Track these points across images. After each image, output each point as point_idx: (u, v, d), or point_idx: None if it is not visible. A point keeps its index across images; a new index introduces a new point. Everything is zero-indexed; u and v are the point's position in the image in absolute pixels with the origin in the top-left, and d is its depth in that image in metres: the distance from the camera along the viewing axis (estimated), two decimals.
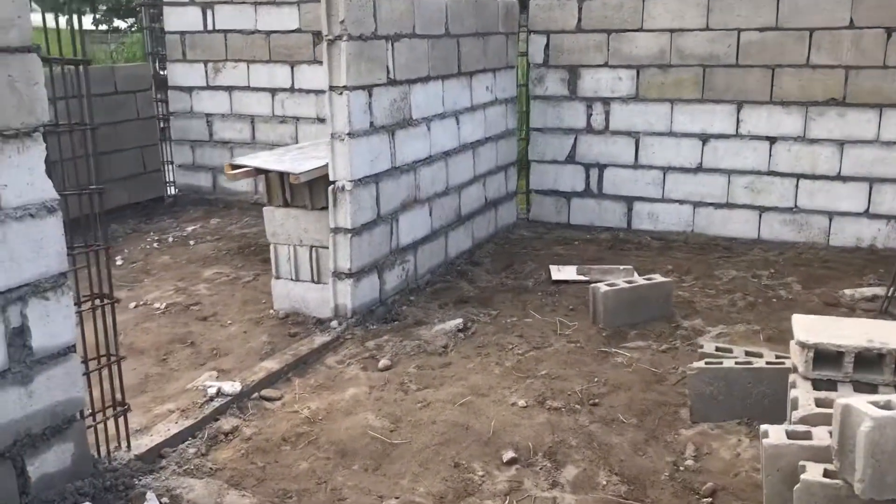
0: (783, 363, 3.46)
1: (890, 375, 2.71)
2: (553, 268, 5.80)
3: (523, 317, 4.90)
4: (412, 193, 5.29)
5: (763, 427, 2.47)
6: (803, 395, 2.67)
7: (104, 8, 19.52)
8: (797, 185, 6.23)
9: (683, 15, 6.29)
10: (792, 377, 2.86)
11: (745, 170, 6.37)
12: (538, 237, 6.78)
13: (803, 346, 2.76)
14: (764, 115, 6.21)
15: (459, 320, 4.74)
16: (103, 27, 19.53)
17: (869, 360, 2.74)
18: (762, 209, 6.38)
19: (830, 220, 6.18)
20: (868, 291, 5.10)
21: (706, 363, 3.56)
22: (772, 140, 6.24)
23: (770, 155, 6.27)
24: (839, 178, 6.09)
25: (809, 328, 2.85)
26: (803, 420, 2.52)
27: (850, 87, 5.91)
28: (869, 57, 5.80)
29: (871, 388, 2.73)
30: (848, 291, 5.14)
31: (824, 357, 2.78)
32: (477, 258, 6.13)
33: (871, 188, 6.01)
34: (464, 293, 5.36)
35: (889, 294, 3.85)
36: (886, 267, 5.67)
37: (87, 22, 19.29)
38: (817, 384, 2.78)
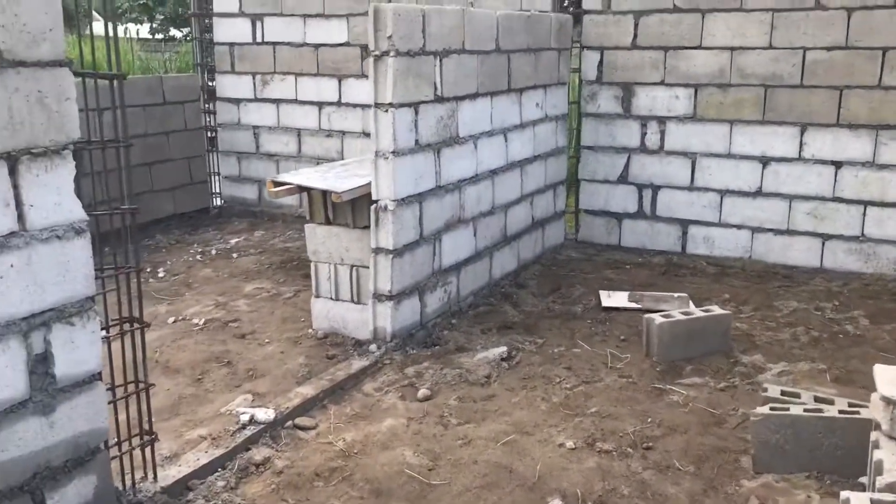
0: (858, 412, 3.19)
1: None
2: (603, 293, 5.55)
3: (571, 346, 4.67)
4: (456, 213, 5.10)
5: (844, 494, 2.21)
6: (889, 459, 2.40)
7: (161, 17, 19.84)
8: (864, 213, 5.89)
9: (745, 32, 6.01)
10: (874, 435, 2.59)
11: (808, 195, 6.04)
12: (587, 259, 6.54)
13: (888, 401, 2.50)
14: (829, 139, 5.89)
15: (503, 348, 4.53)
16: (159, 36, 19.84)
17: None
18: (825, 237, 6.04)
19: None
20: None
21: (771, 409, 3.29)
22: (837, 165, 5.91)
23: (835, 180, 5.94)
24: None
25: (894, 380, 2.58)
26: (890, 487, 2.26)
27: None
28: None
29: None
30: None
31: None
32: (522, 280, 5.91)
33: None
34: (508, 318, 5.15)
35: None
36: None
37: (145, 31, 19.62)
38: None
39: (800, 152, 6.00)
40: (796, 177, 6.05)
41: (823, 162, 5.94)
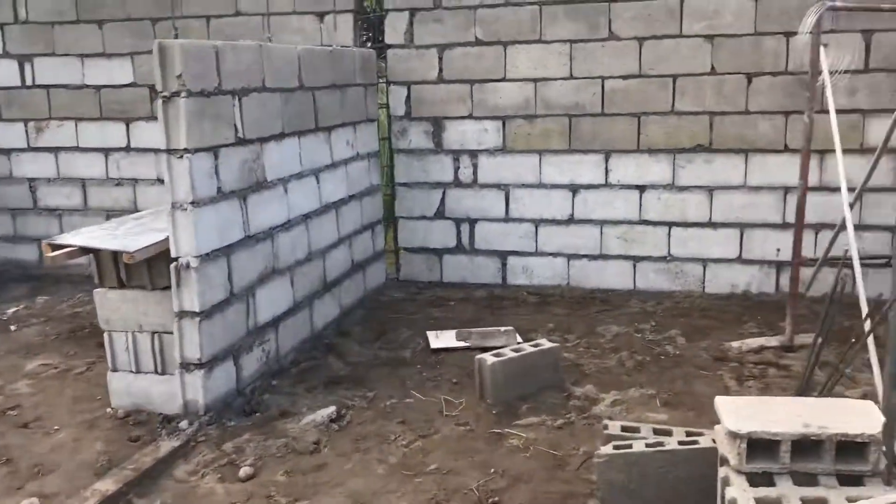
0: (697, 441, 3.15)
1: (830, 463, 2.42)
2: (430, 334, 5.36)
3: (403, 397, 4.40)
4: (270, 263, 4.71)
5: None
6: (742, 496, 2.33)
7: None
8: (669, 234, 6.13)
9: (546, 64, 6.10)
10: (723, 471, 2.52)
11: (617, 220, 6.21)
12: (410, 298, 6.33)
13: (735, 436, 2.43)
14: (632, 164, 6.09)
15: (332, 408, 4.18)
16: None
17: (806, 446, 2.45)
18: (636, 259, 6.23)
19: (705, 268, 6.11)
20: (754, 343, 4.96)
21: (614, 447, 3.19)
22: (641, 189, 6.12)
23: (640, 204, 6.14)
24: (710, 224, 6.03)
25: (737, 413, 2.53)
26: None
27: (715, 133, 5.88)
28: (731, 103, 5.80)
29: (811, 479, 2.44)
30: (735, 344, 4.98)
31: (756, 445, 2.46)
32: (346, 328, 5.59)
33: (741, 234, 5.98)
34: (334, 372, 4.81)
35: (810, 364, 3.67)
36: (763, 314, 5.62)
37: None
38: (752, 478, 2.45)
39: (606, 179, 6.16)
40: (605, 203, 6.20)
41: (629, 187, 6.13)
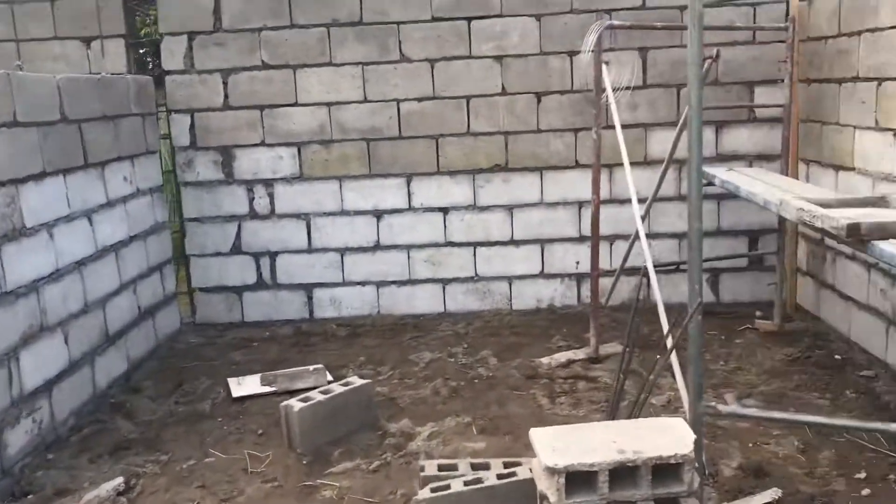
0: (515, 473, 3.04)
1: (647, 489, 2.37)
2: (232, 381, 4.95)
3: (203, 457, 3.98)
4: (37, 321, 4.13)
5: None
6: None
7: None
8: (475, 254, 6.11)
9: (339, 87, 5.90)
10: None
11: (423, 243, 6.11)
12: (209, 343, 5.86)
13: (553, 471, 2.32)
14: (434, 187, 6.02)
15: (119, 479, 3.68)
16: None
17: (623, 473, 2.38)
18: (445, 281, 6.16)
19: (510, 285, 6.14)
20: (562, 357, 5.00)
21: (432, 490, 3.01)
22: (445, 211, 6.06)
23: (445, 226, 6.08)
24: (513, 242, 6.07)
25: (553, 445, 2.42)
26: None
27: (510, 152, 5.94)
28: (524, 122, 5.89)
29: None
30: (544, 360, 5.00)
31: (575, 477, 2.36)
32: (136, 383, 5.05)
33: (542, 249, 6.07)
34: (122, 435, 4.28)
35: (620, 380, 3.67)
36: (568, 326, 5.73)
37: None
38: None
39: (409, 202, 6.05)
40: (409, 227, 6.08)
41: (432, 209, 6.05)
